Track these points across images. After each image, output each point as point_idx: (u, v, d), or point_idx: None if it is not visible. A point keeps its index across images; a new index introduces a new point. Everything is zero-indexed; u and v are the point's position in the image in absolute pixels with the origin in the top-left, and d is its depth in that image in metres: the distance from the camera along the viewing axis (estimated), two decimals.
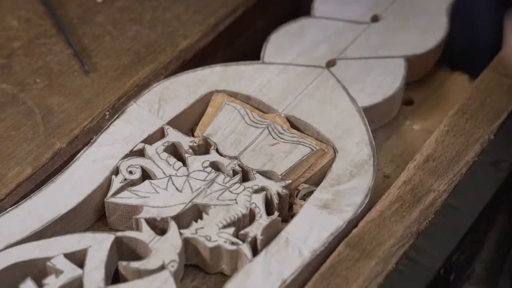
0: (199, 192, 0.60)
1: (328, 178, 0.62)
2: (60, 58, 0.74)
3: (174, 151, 0.64)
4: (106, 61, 0.74)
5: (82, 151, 0.64)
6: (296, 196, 0.62)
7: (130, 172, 0.62)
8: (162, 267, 0.56)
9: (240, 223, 0.59)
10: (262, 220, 0.59)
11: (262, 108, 0.68)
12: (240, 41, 0.78)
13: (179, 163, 0.62)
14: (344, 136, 0.65)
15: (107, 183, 0.62)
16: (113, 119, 0.66)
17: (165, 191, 0.60)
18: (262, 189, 0.61)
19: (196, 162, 0.62)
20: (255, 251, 0.58)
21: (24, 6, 0.79)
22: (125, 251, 0.59)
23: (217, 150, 0.64)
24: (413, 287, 0.57)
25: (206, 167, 0.62)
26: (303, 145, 0.64)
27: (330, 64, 0.71)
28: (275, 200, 0.60)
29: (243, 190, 0.61)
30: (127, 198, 0.60)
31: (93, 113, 0.69)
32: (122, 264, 0.56)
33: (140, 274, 0.56)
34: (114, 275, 0.58)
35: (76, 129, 0.68)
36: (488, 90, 0.69)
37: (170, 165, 0.62)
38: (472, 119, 0.67)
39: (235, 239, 0.58)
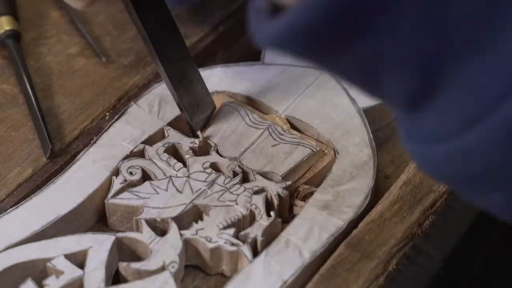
0: (199, 193, 0.60)
1: (328, 179, 0.62)
2: (60, 59, 0.74)
3: (175, 152, 0.64)
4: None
5: (82, 152, 0.64)
6: (296, 197, 0.62)
7: (131, 173, 0.62)
8: (163, 268, 0.56)
9: (241, 224, 0.59)
10: (263, 221, 0.59)
11: (262, 109, 0.68)
12: (240, 42, 0.78)
13: (180, 164, 0.62)
14: (344, 137, 0.65)
15: (108, 184, 0.62)
16: (113, 120, 0.66)
17: (166, 192, 0.60)
18: (262, 190, 0.61)
19: (196, 163, 0.62)
20: (255, 252, 0.58)
21: (24, 6, 0.79)
22: (125, 252, 0.59)
23: (217, 151, 0.64)
24: None
25: (207, 168, 0.62)
26: (303, 146, 0.64)
27: None
28: (275, 201, 0.60)
29: (244, 191, 0.61)
30: (127, 199, 0.60)
31: (93, 113, 0.69)
32: (123, 265, 0.56)
33: (141, 275, 0.56)
34: (114, 276, 0.58)
35: (76, 130, 0.68)
36: None
37: (171, 166, 0.62)
38: None
39: (235, 240, 0.58)
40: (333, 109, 0.67)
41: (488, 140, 0.38)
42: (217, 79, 0.69)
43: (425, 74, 0.38)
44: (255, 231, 0.58)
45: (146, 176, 0.62)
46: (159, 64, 0.61)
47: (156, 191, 0.61)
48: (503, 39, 0.36)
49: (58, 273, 0.56)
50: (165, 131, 0.65)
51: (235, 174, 0.62)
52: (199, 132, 0.65)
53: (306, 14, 0.36)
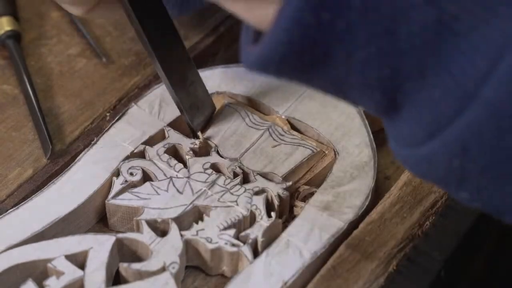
0: (200, 193, 0.60)
1: (328, 180, 0.62)
2: (60, 59, 0.74)
3: (175, 152, 0.64)
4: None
5: (83, 152, 0.64)
6: (297, 197, 0.62)
7: (131, 174, 0.62)
8: (163, 269, 0.56)
9: (241, 225, 0.59)
10: (263, 222, 0.59)
11: (262, 110, 0.68)
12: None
13: (180, 165, 0.63)
14: (344, 137, 0.65)
15: (108, 184, 0.62)
16: (114, 121, 0.66)
17: (166, 193, 0.60)
18: (262, 191, 0.61)
19: (197, 163, 0.63)
20: (256, 253, 0.58)
21: (24, 6, 0.79)
22: (126, 252, 0.59)
23: (217, 152, 0.64)
24: None
25: (207, 168, 0.62)
26: (303, 146, 0.64)
27: None
28: (276, 201, 0.60)
29: (244, 192, 0.61)
30: (128, 199, 0.60)
31: (93, 114, 0.69)
32: (123, 265, 0.57)
33: (141, 275, 0.56)
34: (115, 277, 0.58)
35: (77, 130, 0.68)
36: None
37: (171, 166, 0.62)
38: None
39: (236, 241, 0.58)
40: (334, 110, 0.67)
41: (446, 151, 0.42)
42: (218, 80, 0.69)
43: (386, 94, 0.42)
44: (256, 232, 0.59)
45: (146, 177, 0.62)
46: (159, 67, 0.61)
47: (156, 191, 0.61)
48: (451, 64, 0.40)
49: (59, 273, 0.56)
50: (166, 131, 0.65)
51: (235, 175, 0.62)
52: (199, 133, 0.65)
53: (273, 47, 0.41)
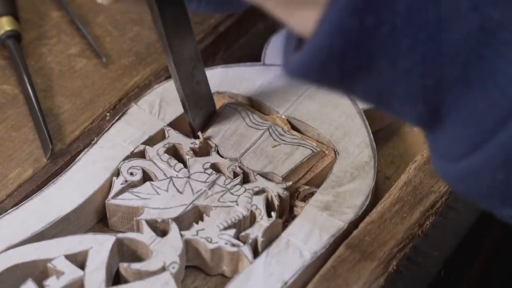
0: (200, 193, 0.60)
1: (328, 180, 0.62)
2: (60, 59, 0.74)
3: (175, 152, 0.64)
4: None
5: (83, 152, 0.64)
6: (297, 197, 0.62)
7: (131, 174, 0.62)
8: (163, 269, 0.56)
9: (241, 225, 0.59)
10: (263, 222, 0.59)
11: (263, 110, 0.68)
12: (240, 43, 0.78)
13: (180, 165, 0.62)
14: (345, 138, 0.65)
15: (108, 184, 0.62)
16: (114, 121, 0.66)
17: (166, 193, 0.60)
18: (262, 190, 0.61)
19: (197, 163, 0.63)
20: (256, 253, 0.58)
21: (24, 6, 0.79)
22: (126, 252, 0.59)
23: (218, 152, 0.64)
24: None
25: (207, 168, 0.62)
26: (304, 146, 0.64)
27: None
28: (276, 201, 0.60)
29: (244, 191, 0.61)
30: (128, 199, 0.60)
31: (93, 114, 0.69)
32: (123, 265, 0.57)
33: (141, 275, 0.56)
34: (114, 277, 0.58)
35: (77, 130, 0.68)
36: None
37: (171, 166, 0.62)
38: None
39: (236, 241, 0.58)
40: (334, 110, 0.67)
41: (490, 163, 0.41)
42: (218, 79, 0.69)
43: (430, 104, 0.41)
44: (256, 232, 0.59)
45: (146, 177, 0.62)
46: (171, 62, 0.61)
47: (156, 191, 0.61)
48: (495, 73, 0.39)
49: (59, 273, 0.56)
50: (166, 131, 0.65)
51: (235, 174, 0.62)
52: (199, 133, 0.65)
53: (314, 53, 0.40)
